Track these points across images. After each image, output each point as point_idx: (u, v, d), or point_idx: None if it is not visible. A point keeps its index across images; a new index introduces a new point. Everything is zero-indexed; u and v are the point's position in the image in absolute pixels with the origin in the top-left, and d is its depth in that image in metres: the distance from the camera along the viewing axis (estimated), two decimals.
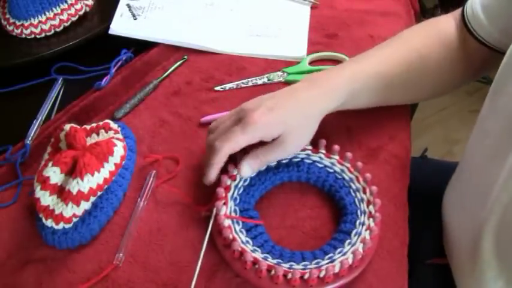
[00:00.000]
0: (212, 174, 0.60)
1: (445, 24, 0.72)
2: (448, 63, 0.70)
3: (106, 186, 0.59)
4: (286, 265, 0.57)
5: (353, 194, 0.63)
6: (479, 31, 0.67)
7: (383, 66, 0.68)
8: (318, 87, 0.63)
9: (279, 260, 0.57)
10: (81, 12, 0.82)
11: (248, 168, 0.61)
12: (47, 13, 0.79)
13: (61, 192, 0.56)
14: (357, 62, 0.69)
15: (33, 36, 0.79)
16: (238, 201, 0.62)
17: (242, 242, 0.58)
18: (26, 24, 0.78)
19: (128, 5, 0.85)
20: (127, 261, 0.59)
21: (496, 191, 0.56)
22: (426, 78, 0.71)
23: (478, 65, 0.71)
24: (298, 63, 0.81)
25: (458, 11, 0.72)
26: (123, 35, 0.81)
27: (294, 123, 0.60)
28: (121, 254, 0.59)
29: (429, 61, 0.69)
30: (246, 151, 0.61)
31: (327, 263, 0.56)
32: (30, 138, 0.69)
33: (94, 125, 0.64)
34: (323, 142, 0.66)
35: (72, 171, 0.56)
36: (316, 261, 0.57)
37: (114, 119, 0.71)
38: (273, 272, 0.56)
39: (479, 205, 0.59)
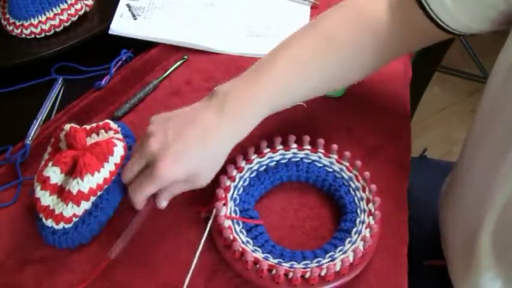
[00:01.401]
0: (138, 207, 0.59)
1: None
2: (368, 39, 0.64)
3: (106, 186, 0.59)
4: (287, 264, 0.57)
5: (352, 193, 0.63)
6: (437, 13, 0.59)
7: (301, 74, 0.62)
8: (228, 119, 0.58)
9: (280, 260, 0.57)
10: (81, 12, 0.82)
11: (165, 202, 0.59)
12: (47, 13, 0.79)
13: (61, 192, 0.56)
14: (274, 80, 0.61)
15: (33, 36, 0.79)
16: (238, 201, 0.62)
17: (243, 242, 0.58)
18: (26, 24, 0.78)
19: (128, 5, 0.85)
20: (127, 261, 0.59)
21: (495, 190, 0.56)
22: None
23: (418, 39, 0.65)
24: None
25: None
26: (123, 35, 0.81)
27: (201, 167, 0.58)
28: (117, 249, 0.58)
29: (343, 44, 0.65)
30: None
31: (328, 262, 0.57)
32: (30, 138, 0.69)
33: (94, 125, 0.64)
34: (321, 142, 0.66)
35: (72, 171, 0.56)
36: (317, 260, 0.57)
37: (114, 119, 0.71)
38: (274, 271, 0.56)
39: (477, 204, 0.59)
